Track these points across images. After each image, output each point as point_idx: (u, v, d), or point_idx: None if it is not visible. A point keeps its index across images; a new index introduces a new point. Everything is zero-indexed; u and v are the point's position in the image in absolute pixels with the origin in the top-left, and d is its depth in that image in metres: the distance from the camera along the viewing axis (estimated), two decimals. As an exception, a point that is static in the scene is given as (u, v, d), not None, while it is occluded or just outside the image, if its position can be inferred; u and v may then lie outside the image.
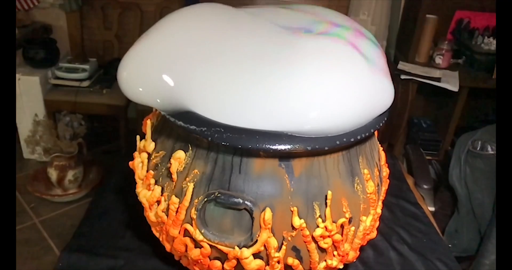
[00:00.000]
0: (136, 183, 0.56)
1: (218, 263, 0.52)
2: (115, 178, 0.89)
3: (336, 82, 0.45)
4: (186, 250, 0.52)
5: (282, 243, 0.49)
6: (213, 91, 0.45)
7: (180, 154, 0.50)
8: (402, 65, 1.84)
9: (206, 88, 0.45)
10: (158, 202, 0.52)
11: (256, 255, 0.49)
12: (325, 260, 0.53)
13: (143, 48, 0.48)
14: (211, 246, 0.49)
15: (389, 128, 1.91)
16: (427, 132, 1.99)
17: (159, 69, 0.46)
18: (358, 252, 0.57)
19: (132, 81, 0.47)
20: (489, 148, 1.29)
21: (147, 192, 0.53)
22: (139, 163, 0.56)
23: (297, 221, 0.47)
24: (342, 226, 0.51)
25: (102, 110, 1.87)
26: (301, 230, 0.48)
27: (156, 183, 0.53)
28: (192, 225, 0.49)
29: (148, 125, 0.56)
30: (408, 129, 2.05)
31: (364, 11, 1.94)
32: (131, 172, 0.57)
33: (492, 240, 1.22)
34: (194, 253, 0.51)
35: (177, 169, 0.50)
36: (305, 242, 0.49)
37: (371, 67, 0.48)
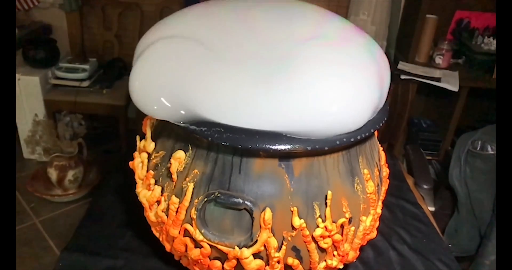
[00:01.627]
0: (136, 183, 0.56)
1: (218, 263, 0.52)
2: (115, 178, 0.89)
3: (337, 81, 0.45)
4: (186, 250, 0.52)
5: (282, 243, 0.49)
6: (212, 92, 0.45)
7: (180, 154, 0.50)
8: (402, 65, 1.84)
9: (207, 89, 0.45)
10: (158, 202, 0.52)
11: (256, 255, 0.49)
12: (325, 260, 0.53)
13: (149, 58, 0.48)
14: (211, 246, 0.49)
15: (389, 128, 1.91)
16: (427, 132, 1.99)
17: (165, 81, 0.46)
18: (358, 252, 0.57)
19: (144, 95, 0.47)
20: (489, 148, 1.29)
21: (147, 192, 0.53)
22: (139, 163, 0.56)
23: (297, 221, 0.47)
24: (342, 226, 0.51)
25: (102, 110, 1.87)
26: (301, 230, 0.48)
27: (156, 183, 0.53)
28: (192, 225, 0.49)
29: (148, 125, 0.56)
30: (408, 129, 2.05)
31: (364, 11, 1.93)
32: (131, 172, 0.57)
33: (492, 240, 1.22)
34: (194, 253, 0.51)
35: (177, 169, 0.50)
36: (305, 242, 0.49)
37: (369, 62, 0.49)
